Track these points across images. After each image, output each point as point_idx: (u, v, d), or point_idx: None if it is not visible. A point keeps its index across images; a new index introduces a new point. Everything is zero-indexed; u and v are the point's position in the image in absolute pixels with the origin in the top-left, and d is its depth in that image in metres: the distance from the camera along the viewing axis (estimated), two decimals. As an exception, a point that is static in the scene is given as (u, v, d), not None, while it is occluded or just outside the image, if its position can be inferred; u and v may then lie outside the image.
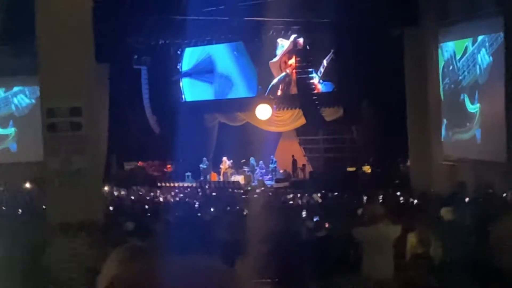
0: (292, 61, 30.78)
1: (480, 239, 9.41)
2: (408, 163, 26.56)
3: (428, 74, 24.25)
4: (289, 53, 31.01)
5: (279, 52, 31.38)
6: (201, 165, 32.67)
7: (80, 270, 8.50)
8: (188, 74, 34.41)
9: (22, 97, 34.67)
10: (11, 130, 35.20)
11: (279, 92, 31.97)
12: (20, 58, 26.58)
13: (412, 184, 23.93)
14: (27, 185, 29.14)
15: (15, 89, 34.57)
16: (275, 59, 31.59)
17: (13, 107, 35.17)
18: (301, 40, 29.83)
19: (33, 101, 32.41)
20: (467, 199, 15.42)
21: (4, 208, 19.97)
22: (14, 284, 9.09)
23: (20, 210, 18.84)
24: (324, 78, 30.11)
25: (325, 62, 29.76)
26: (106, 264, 3.55)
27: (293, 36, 30.13)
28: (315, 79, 29.96)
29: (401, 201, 18.65)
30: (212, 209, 17.59)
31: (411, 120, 25.05)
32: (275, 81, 31.96)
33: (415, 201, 17.75)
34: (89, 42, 14.14)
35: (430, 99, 24.17)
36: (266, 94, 32.12)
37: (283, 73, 31.65)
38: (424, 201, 16.47)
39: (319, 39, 28.33)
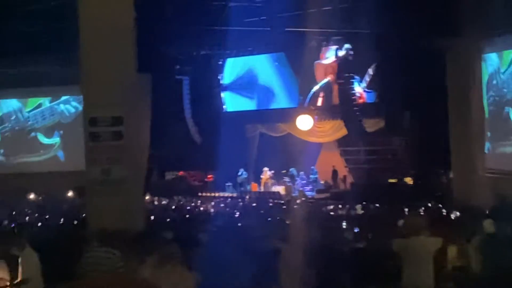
0: (335, 68, 30.68)
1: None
2: (451, 175, 26.27)
3: (471, 86, 23.98)
4: (332, 60, 30.91)
5: (323, 56, 31.24)
6: (241, 176, 32.71)
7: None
8: (230, 85, 34.49)
9: (68, 107, 35.29)
10: (56, 140, 35.82)
11: (320, 101, 31.88)
12: (67, 67, 26.93)
13: (454, 196, 23.66)
14: (69, 193, 29.45)
15: (62, 98, 35.23)
16: (323, 61, 31.42)
17: (59, 117, 35.91)
18: (343, 50, 29.72)
19: (79, 110, 33.02)
20: (509, 212, 15.19)
21: (47, 216, 20.16)
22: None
23: (62, 218, 19.04)
24: (369, 87, 29.97)
25: (370, 71, 29.64)
26: (142, 268, 3.58)
27: (336, 47, 30.07)
28: (360, 88, 29.83)
29: (443, 213, 18.44)
30: (252, 219, 17.57)
31: (453, 132, 24.77)
32: (316, 88, 31.88)
33: (457, 213, 17.54)
34: (131, 52, 14.25)
35: (473, 111, 23.90)
36: (307, 101, 32.06)
37: (325, 80, 31.56)
38: (466, 214, 16.27)
39: (362, 49, 28.17)
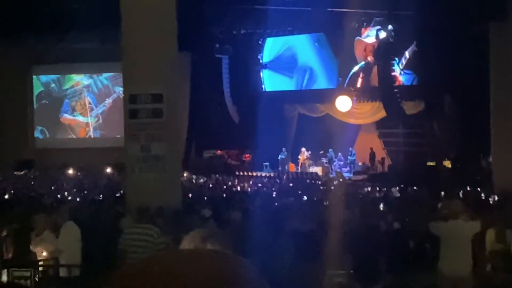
0: (375, 48, 30.47)
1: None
2: (490, 159, 26.05)
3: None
4: (373, 40, 30.68)
5: (364, 36, 31.00)
6: (280, 155, 32.72)
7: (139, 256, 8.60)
8: (269, 65, 34.44)
9: (108, 83, 35.74)
10: (95, 117, 36.22)
11: (359, 82, 31.74)
12: (108, 44, 27.08)
13: (493, 180, 23.47)
14: (108, 170, 29.71)
15: (104, 75, 35.82)
16: (363, 39, 31.17)
17: (98, 94, 36.27)
18: (384, 31, 29.48)
19: (118, 88, 33.29)
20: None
21: (85, 192, 20.38)
22: (91, 266, 9.27)
23: (101, 194, 19.23)
24: (406, 68, 29.73)
25: (407, 54, 29.39)
26: (181, 245, 3.62)
27: (376, 28, 29.84)
28: (397, 71, 29.62)
29: (482, 197, 18.30)
30: (289, 199, 17.61)
31: (494, 115, 24.53)
32: (355, 68, 31.74)
33: (496, 197, 17.40)
34: (172, 30, 14.30)
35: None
36: (346, 82, 31.93)
37: (364, 61, 31.38)
38: (505, 198, 16.14)
39: (402, 30, 27.90)
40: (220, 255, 1.31)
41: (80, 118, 37.12)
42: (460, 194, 18.31)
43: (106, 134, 35.63)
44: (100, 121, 36.76)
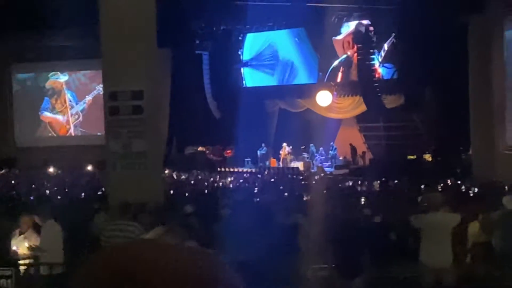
0: (355, 43, 30.57)
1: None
2: (470, 152, 26.22)
3: (492, 62, 23.87)
4: (352, 35, 30.78)
5: (343, 31, 31.13)
6: (260, 151, 32.74)
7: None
8: (250, 61, 34.44)
9: (85, 81, 35.65)
10: (76, 113, 36.14)
11: (339, 76, 31.81)
12: (84, 41, 26.97)
13: (473, 172, 23.65)
14: (90, 168, 29.62)
15: (82, 72, 35.89)
16: (339, 37, 31.35)
17: (76, 91, 36.22)
18: (363, 25, 29.56)
19: (96, 85, 33.27)
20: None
21: (66, 190, 20.30)
22: (72, 263, 9.26)
23: (82, 192, 19.17)
24: (385, 62, 29.82)
25: (386, 46, 29.47)
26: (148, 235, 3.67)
27: (354, 21, 29.93)
28: (377, 64, 29.70)
29: (462, 190, 18.42)
30: (271, 194, 17.62)
31: (474, 109, 24.72)
32: (336, 63, 31.81)
33: (476, 190, 17.52)
34: (151, 27, 14.26)
35: (494, 89, 23.81)
36: (326, 76, 32.00)
37: (344, 55, 31.47)
38: (486, 190, 16.25)
39: (382, 24, 27.97)
40: (200, 254, 1.32)
41: (60, 117, 36.92)
42: (440, 187, 18.45)
43: (87, 131, 35.54)
44: (81, 118, 36.63)
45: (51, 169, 29.99)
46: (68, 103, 36.81)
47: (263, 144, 32.86)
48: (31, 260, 9.20)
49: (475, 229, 10.08)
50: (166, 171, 25.37)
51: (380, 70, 30.01)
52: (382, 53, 29.65)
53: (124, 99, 13.70)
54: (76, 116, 36.76)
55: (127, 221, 9.02)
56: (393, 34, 28.81)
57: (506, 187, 16.10)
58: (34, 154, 33.29)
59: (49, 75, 36.65)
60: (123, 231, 8.74)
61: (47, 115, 36.92)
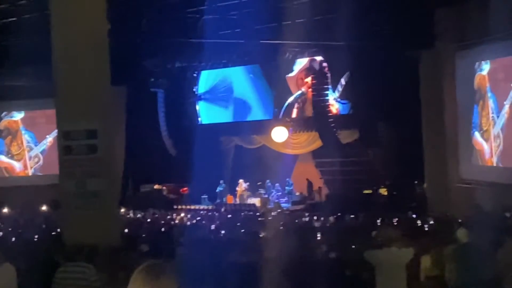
0: (309, 79, 30.86)
1: (495, 263, 9.36)
2: (425, 185, 26.48)
3: (444, 96, 24.22)
4: (305, 71, 31.09)
5: (296, 67, 31.43)
6: (219, 188, 32.67)
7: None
8: (205, 97, 34.51)
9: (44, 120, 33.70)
10: (31, 154, 34.84)
11: (294, 112, 32.01)
12: (41, 80, 26.71)
13: (428, 206, 23.87)
14: (43, 207, 29.20)
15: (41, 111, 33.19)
16: (292, 74, 31.66)
17: (35, 132, 34.61)
18: (317, 62, 29.87)
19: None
20: (483, 222, 15.31)
21: (20, 231, 20.01)
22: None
23: (36, 233, 18.89)
24: (342, 97, 30.14)
25: (343, 81, 29.78)
26: (131, 283, 3.63)
27: (305, 58, 30.25)
28: (332, 98, 29.98)
29: (417, 224, 18.55)
30: (228, 232, 17.57)
31: (427, 142, 25.02)
32: (291, 99, 32.02)
33: (431, 223, 17.65)
34: (105, 64, 14.23)
35: (446, 122, 24.14)
36: (281, 113, 32.20)
37: (299, 92, 31.73)
38: (440, 223, 16.38)
39: (337, 59, 28.25)
40: None
41: (16, 163, 34.90)
42: (395, 221, 18.56)
43: (46, 172, 33.99)
44: (41, 162, 34.64)
45: (5, 209, 29.49)
46: (25, 145, 34.83)
47: (221, 181, 32.81)
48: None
49: (428, 263, 10.16)
50: (122, 210, 25.15)
51: (337, 105, 30.29)
52: (340, 88, 29.95)
53: (78, 138, 13.62)
54: (36, 159, 34.72)
55: (79, 262, 8.93)
56: (348, 72, 29.14)
57: (460, 220, 16.25)
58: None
59: (2, 115, 34.77)
60: (75, 273, 8.66)
61: (1, 159, 34.78)
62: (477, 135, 23.44)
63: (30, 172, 34.94)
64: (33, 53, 21.65)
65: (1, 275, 9.32)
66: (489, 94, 22.57)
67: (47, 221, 23.71)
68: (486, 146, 23.01)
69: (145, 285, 3.70)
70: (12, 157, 34.98)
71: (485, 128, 23.05)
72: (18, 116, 34.94)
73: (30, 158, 34.89)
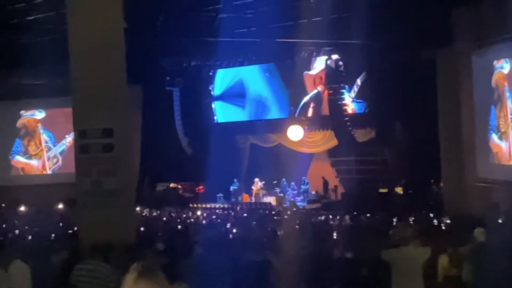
0: (324, 78, 30.83)
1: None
2: (441, 184, 26.37)
3: (461, 95, 24.09)
4: (321, 70, 31.05)
5: (312, 66, 31.39)
6: (233, 186, 32.68)
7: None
8: (220, 96, 34.53)
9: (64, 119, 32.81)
10: (51, 160, 34.18)
11: (310, 111, 31.97)
12: (58, 79, 26.73)
13: (444, 205, 23.76)
14: (60, 206, 29.28)
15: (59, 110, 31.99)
16: (311, 72, 31.60)
17: (52, 132, 34.00)
18: (333, 61, 29.84)
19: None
20: (500, 221, 15.25)
21: (36, 229, 20.10)
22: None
23: (53, 231, 18.96)
24: (358, 97, 30.07)
25: (359, 81, 29.71)
26: (124, 283, 3.70)
27: (326, 56, 30.19)
28: (348, 99, 29.94)
29: (433, 223, 18.49)
30: (243, 230, 17.59)
31: (444, 141, 24.90)
32: (306, 98, 31.99)
33: (448, 222, 17.59)
34: (121, 63, 14.24)
35: (463, 121, 24.01)
36: (297, 112, 32.15)
37: (315, 91, 31.68)
38: (457, 223, 16.32)
39: (352, 58, 28.19)
40: None
41: (35, 162, 34.06)
42: (411, 220, 18.49)
43: (65, 171, 33.22)
44: (60, 162, 33.73)
45: (22, 208, 29.58)
46: (44, 145, 33.99)
47: (235, 180, 32.81)
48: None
49: (445, 262, 10.12)
50: (138, 208, 25.22)
51: (353, 105, 30.23)
52: (356, 88, 29.89)
53: (94, 137, 13.64)
54: (55, 160, 33.85)
55: (96, 261, 8.95)
56: (365, 71, 29.07)
57: (478, 220, 16.18)
58: (5, 192, 32.27)
59: (20, 113, 33.87)
60: (91, 271, 8.68)
61: (19, 159, 34.12)
62: (494, 137, 23.24)
63: (48, 171, 34.25)
64: (52, 51, 21.66)
65: (14, 272, 9.36)
66: (507, 94, 22.35)
67: (63, 219, 23.83)
68: (505, 148, 22.82)
69: (137, 284, 3.79)
70: (30, 157, 34.24)
71: (503, 130, 22.83)
72: (39, 115, 34.07)
73: (48, 158, 34.09)
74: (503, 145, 22.83)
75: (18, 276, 9.34)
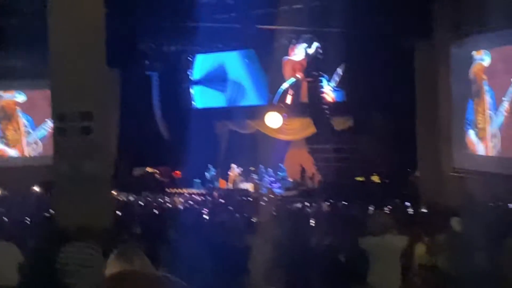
0: (304, 65, 30.80)
1: (489, 251, 9.38)
2: (418, 173, 26.52)
3: (439, 85, 24.19)
4: (301, 57, 31.01)
5: (292, 53, 31.32)
6: (208, 172, 32.63)
7: (83, 275, 8.53)
8: (199, 81, 34.44)
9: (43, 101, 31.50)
10: (30, 146, 33.26)
11: (289, 98, 31.93)
12: (36, 61, 26.44)
13: (421, 194, 23.90)
14: (36, 188, 29.05)
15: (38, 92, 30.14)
16: (290, 59, 31.51)
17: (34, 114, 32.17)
18: (314, 49, 29.83)
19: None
20: (476, 210, 15.35)
21: (12, 212, 19.98)
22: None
23: (27, 214, 18.86)
24: (338, 86, 30.09)
25: (339, 70, 29.73)
26: (107, 267, 3.72)
27: (306, 44, 30.16)
28: (328, 87, 29.96)
29: (410, 212, 18.60)
30: (219, 216, 17.59)
31: (420, 131, 25.04)
32: (285, 85, 31.92)
33: (424, 211, 17.70)
34: (100, 47, 14.19)
35: (440, 112, 24.13)
36: (276, 98, 32.12)
37: (294, 78, 31.64)
38: (433, 212, 16.43)
39: (332, 47, 28.18)
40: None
41: (13, 153, 32.42)
42: (388, 209, 18.59)
43: (34, 151, 32.05)
44: (41, 149, 31.91)
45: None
46: (23, 129, 32.23)
47: (210, 166, 32.73)
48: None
49: (422, 251, 10.19)
50: (115, 193, 25.15)
51: (332, 93, 30.26)
52: (336, 77, 29.91)
53: (72, 120, 13.60)
54: (34, 145, 32.21)
55: (85, 243, 8.92)
56: (344, 60, 29.08)
57: (453, 209, 16.30)
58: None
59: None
60: (80, 253, 8.66)
61: None
62: (471, 134, 23.31)
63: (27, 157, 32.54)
64: (32, 33, 21.46)
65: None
66: (486, 88, 22.41)
67: (39, 202, 23.68)
68: (481, 147, 22.92)
69: (120, 268, 3.81)
70: (7, 145, 32.53)
71: (480, 126, 22.86)
72: (18, 97, 32.20)
73: (28, 144, 32.40)
74: (480, 145, 22.94)
75: (3, 258, 9.32)
